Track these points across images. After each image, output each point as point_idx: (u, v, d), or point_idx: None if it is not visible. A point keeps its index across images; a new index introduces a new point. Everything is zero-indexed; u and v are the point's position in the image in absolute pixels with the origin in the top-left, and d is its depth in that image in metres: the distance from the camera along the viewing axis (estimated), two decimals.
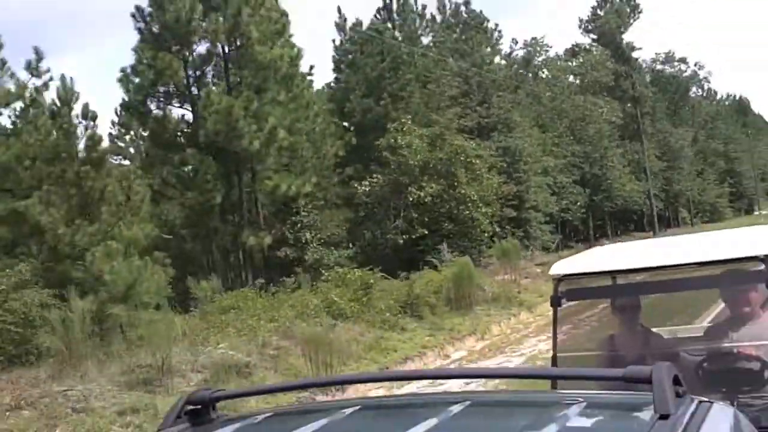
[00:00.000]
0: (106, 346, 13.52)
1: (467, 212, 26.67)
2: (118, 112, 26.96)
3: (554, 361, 4.12)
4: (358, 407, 1.67)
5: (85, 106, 17.34)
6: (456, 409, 1.49)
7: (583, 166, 39.40)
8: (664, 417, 1.23)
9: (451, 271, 18.52)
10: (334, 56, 33.60)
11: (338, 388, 9.47)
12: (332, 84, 32.73)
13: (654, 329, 4.53)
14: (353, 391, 8.98)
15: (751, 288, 3.98)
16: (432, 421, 1.37)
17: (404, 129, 26.84)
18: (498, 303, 18.73)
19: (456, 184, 26.65)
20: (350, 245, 25.58)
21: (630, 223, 48.54)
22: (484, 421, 1.56)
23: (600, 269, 4.20)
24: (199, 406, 1.63)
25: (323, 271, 22.04)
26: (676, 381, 1.33)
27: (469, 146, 27.35)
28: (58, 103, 17.85)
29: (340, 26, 33.96)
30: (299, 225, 24.58)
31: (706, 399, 1.45)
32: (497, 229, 28.19)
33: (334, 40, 33.89)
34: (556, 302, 4.08)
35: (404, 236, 26.17)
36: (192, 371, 11.20)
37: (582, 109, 41.48)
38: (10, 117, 18.09)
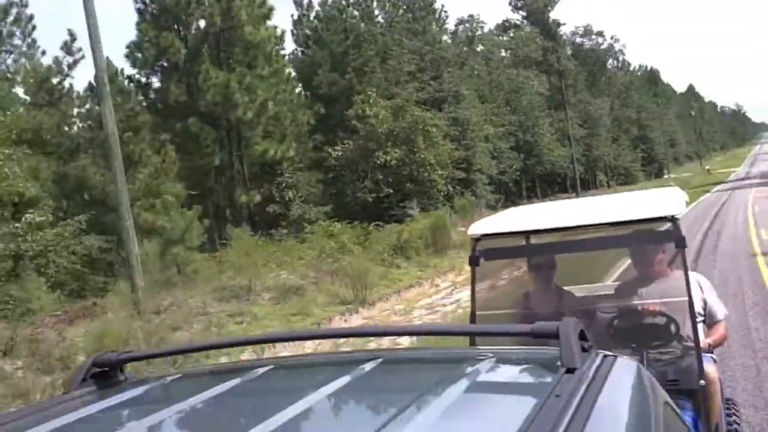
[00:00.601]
0: (172, 278, 16.92)
1: (426, 174, 30.67)
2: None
3: (473, 318, 4.12)
4: (270, 367, 1.65)
5: (120, 81, 20.22)
6: (368, 366, 1.49)
7: (517, 133, 43.98)
8: (570, 371, 1.24)
9: (429, 221, 22.55)
10: (293, 30, 36.90)
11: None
12: (298, 57, 35.96)
13: (567, 288, 4.61)
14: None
15: (659, 247, 4.13)
16: (344, 379, 1.37)
17: (370, 101, 30.55)
18: (464, 248, 22.88)
19: (416, 149, 30.58)
20: (327, 203, 29.22)
21: (555, 185, 53.57)
22: (396, 378, 1.57)
23: (515, 229, 4.26)
24: (107, 369, 1.59)
25: (305, 225, 25.80)
26: (582, 336, 1.35)
27: (426, 117, 31.25)
28: (93, 80, 20.79)
29: (298, 2, 37.29)
30: (284, 185, 28.12)
31: (610, 353, 1.46)
32: (450, 189, 32.34)
33: (293, 15, 37.23)
34: (474, 261, 4.11)
35: (372, 195, 30.04)
36: (263, 291, 14.87)
37: (516, 82, 45.97)
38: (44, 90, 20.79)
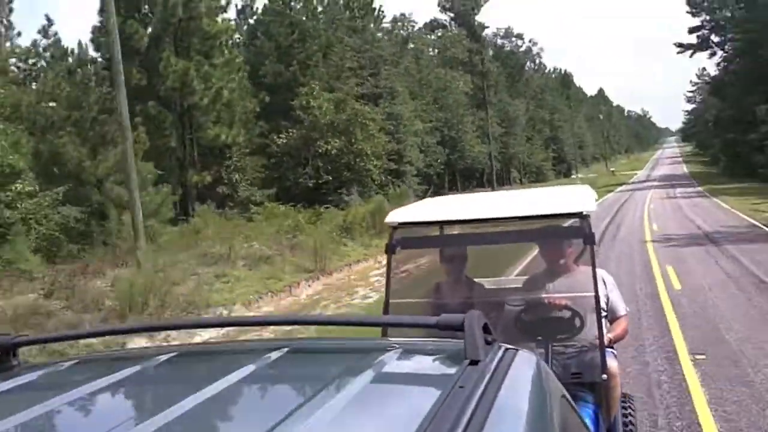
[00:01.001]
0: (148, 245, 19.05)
1: (362, 164, 33.37)
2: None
3: (386, 307, 4.09)
4: (173, 354, 1.61)
5: (96, 66, 22.01)
6: (274, 355, 1.47)
7: (443, 129, 47.18)
8: (474, 363, 1.26)
9: (370, 207, 25.28)
10: (236, 20, 38.91)
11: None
12: (244, 47, 37.98)
13: (477, 279, 4.62)
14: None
15: (568, 243, 4.20)
16: (249, 368, 1.35)
17: (314, 93, 33.00)
18: None
19: (354, 141, 33.23)
20: (270, 186, 31.53)
21: (474, 179, 57.15)
22: (301, 368, 1.55)
23: (432, 219, 4.29)
24: None
25: (252, 206, 28.19)
26: (486, 329, 1.37)
27: (365, 110, 33.92)
28: (71, 61, 22.58)
29: None
30: (232, 168, 30.28)
31: (512, 347, 1.50)
32: (383, 179, 35.16)
33: (236, 5, 39.30)
34: (390, 249, 4.08)
35: (312, 181, 32.54)
36: (237, 259, 17.30)
37: (443, 81, 49.17)
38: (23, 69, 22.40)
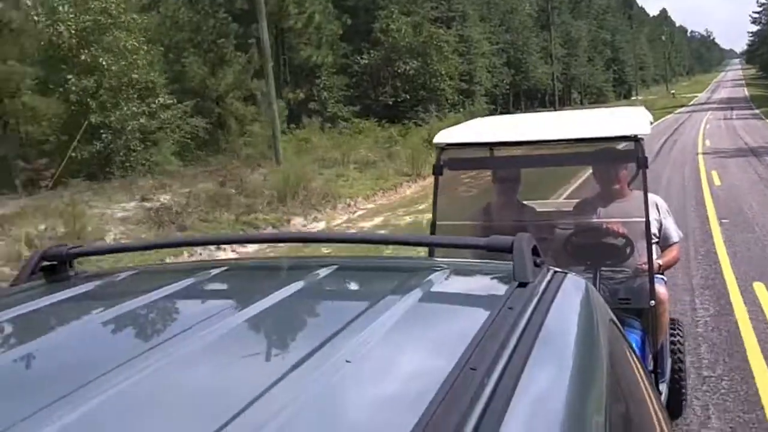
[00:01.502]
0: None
1: (437, 84, 36.30)
2: None
3: (433, 228, 4.09)
4: (224, 268, 1.65)
5: None
6: (323, 272, 1.48)
7: (509, 51, 49.52)
8: (522, 285, 1.26)
9: (451, 121, 28.45)
10: None
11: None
12: None
13: (527, 202, 4.59)
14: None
15: (621, 166, 4.12)
16: (299, 284, 1.36)
17: (393, 17, 35.78)
18: None
19: (429, 62, 36.09)
20: (353, 104, 34.77)
21: (536, 100, 59.40)
22: (350, 285, 1.58)
23: (481, 140, 4.22)
24: (55, 263, 1.55)
25: (339, 121, 31.56)
26: (535, 251, 1.37)
27: (440, 33, 36.62)
28: None
29: None
30: (321, 86, 33.54)
31: (561, 270, 1.49)
32: (455, 98, 38.09)
33: None
34: (438, 171, 4.06)
35: (391, 99, 35.66)
36: (349, 163, 20.69)
37: (510, 3, 51.18)
38: None
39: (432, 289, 1.33)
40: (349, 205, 16.61)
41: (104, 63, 19.46)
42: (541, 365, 1.01)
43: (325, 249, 7.71)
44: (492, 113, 40.84)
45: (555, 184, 9.35)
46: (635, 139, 3.73)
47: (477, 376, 0.89)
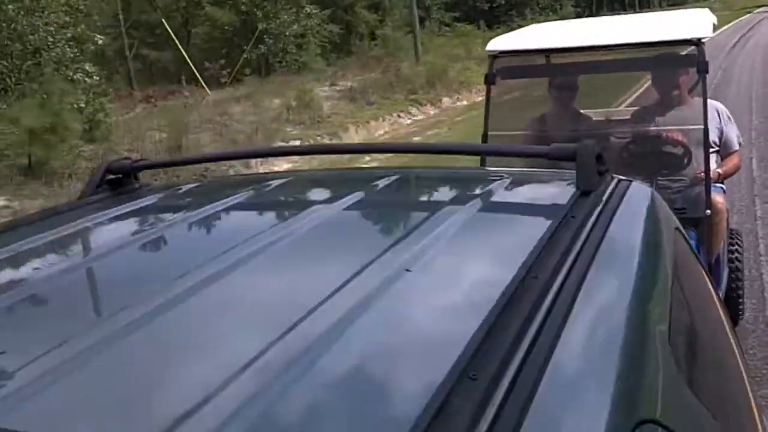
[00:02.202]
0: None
1: None
2: None
3: (485, 139, 4.03)
4: (287, 179, 1.68)
5: None
6: (382, 183, 1.48)
7: None
8: (585, 193, 1.23)
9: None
10: None
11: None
12: None
13: (584, 111, 4.48)
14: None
15: (681, 72, 3.99)
16: (359, 194, 1.36)
17: None
18: None
19: None
20: (453, 10, 38.55)
21: (617, 2, 61.45)
22: (409, 194, 1.59)
23: (535, 47, 4.17)
24: (120, 176, 1.58)
25: (442, 26, 35.51)
26: (599, 159, 1.33)
27: None
28: None
29: None
30: None
31: (625, 178, 1.45)
32: (546, 2, 41.40)
33: None
34: (490, 79, 4.01)
35: (487, 4, 39.27)
36: (470, 59, 24.89)
37: None
38: None
39: (492, 199, 1.32)
40: (479, 90, 20.88)
41: None
42: (604, 274, 1.00)
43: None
44: (579, 17, 44.01)
45: (616, 92, 9.03)
46: (696, 42, 3.66)
47: (538, 285, 0.89)
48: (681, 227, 1.58)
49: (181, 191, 1.63)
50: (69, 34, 12.70)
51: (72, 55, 12.72)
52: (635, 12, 52.25)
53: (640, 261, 1.12)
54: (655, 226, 1.37)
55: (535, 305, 0.84)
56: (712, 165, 3.91)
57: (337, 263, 1.09)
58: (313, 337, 0.78)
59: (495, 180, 1.46)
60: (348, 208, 1.30)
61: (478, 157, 3.62)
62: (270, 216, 1.47)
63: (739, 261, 4.38)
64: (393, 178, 1.54)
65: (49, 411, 0.72)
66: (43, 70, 11.85)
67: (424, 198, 1.59)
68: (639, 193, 1.41)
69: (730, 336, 1.61)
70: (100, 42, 14.81)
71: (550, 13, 40.30)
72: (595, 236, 1.09)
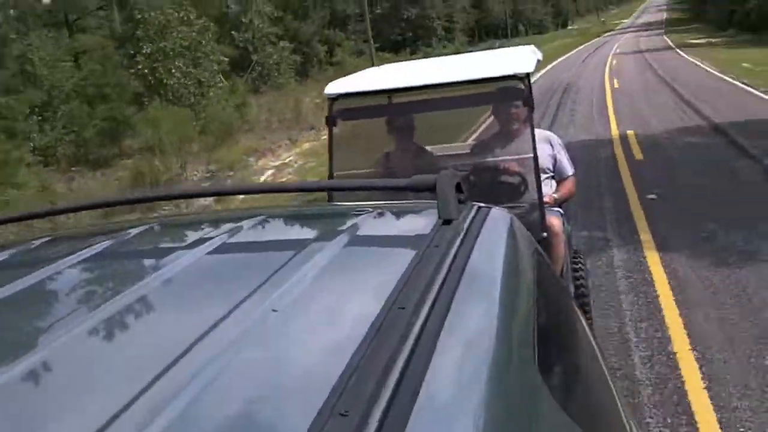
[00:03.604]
0: None
1: (430, 23, 50.19)
2: None
3: (330, 178, 4.13)
4: (146, 227, 1.63)
5: None
6: (247, 224, 1.47)
7: None
8: (447, 222, 1.25)
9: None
10: None
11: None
12: None
13: (426, 147, 4.65)
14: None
15: (513, 105, 4.18)
16: (222, 237, 1.34)
17: None
18: None
19: (424, 7, 49.91)
20: (375, 41, 48.48)
21: (492, 33, 73.44)
22: (275, 233, 1.57)
23: (371, 88, 4.28)
24: None
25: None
26: (459, 188, 1.36)
27: None
28: None
29: None
30: (351, 30, 47.10)
31: (485, 205, 1.49)
32: (443, 34, 52.16)
33: None
34: (331, 122, 4.13)
35: (399, 36, 49.49)
36: None
37: None
38: None
39: (357, 233, 1.32)
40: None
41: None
42: (469, 301, 1.01)
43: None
44: (470, 44, 55.05)
45: (460, 128, 8.84)
46: (521, 78, 3.86)
47: (405, 316, 0.89)
48: (540, 249, 1.64)
49: (33, 246, 1.52)
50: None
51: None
52: (508, 40, 63.98)
53: (503, 285, 1.13)
54: (516, 250, 1.39)
55: (403, 336, 0.84)
56: (548, 190, 4.20)
57: (202, 308, 1.06)
58: (180, 384, 0.76)
59: (359, 214, 1.45)
60: (211, 252, 1.26)
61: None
62: (130, 265, 1.39)
63: (584, 278, 4.55)
64: (257, 218, 1.52)
65: None
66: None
67: (289, 236, 1.53)
68: (498, 219, 1.45)
69: (595, 348, 1.68)
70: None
71: (447, 43, 50.97)
72: (459, 263, 1.10)
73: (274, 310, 0.95)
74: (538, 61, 4.61)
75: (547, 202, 4.02)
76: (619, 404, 1.56)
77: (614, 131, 13.88)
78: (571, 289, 4.35)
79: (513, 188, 4.03)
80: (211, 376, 0.79)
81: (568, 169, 4.48)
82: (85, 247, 1.36)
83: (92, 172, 15.21)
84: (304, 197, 7.14)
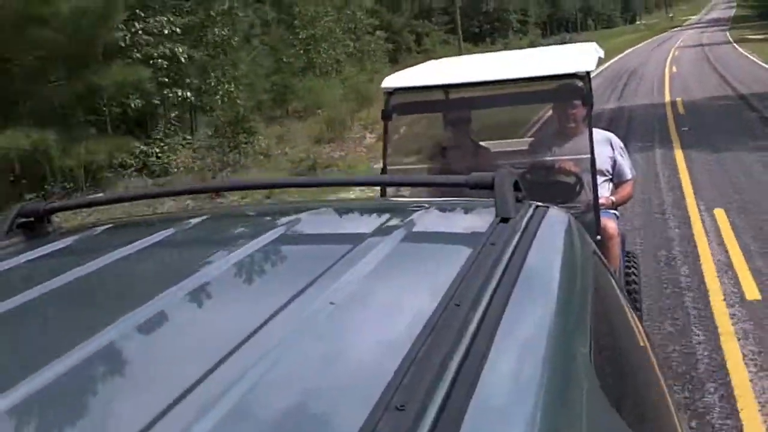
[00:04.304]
0: None
1: (507, 16, 54.66)
2: None
3: (384, 173, 4.12)
4: (204, 217, 1.65)
5: None
6: (305, 216, 1.50)
7: None
8: (504, 220, 1.25)
9: None
10: None
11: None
12: None
13: (482, 143, 4.61)
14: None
15: (573, 104, 4.13)
16: (280, 230, 1.36)
17: None
18: None
19: (502, 2, 54.38)
20: (454, 32, 53.20)
21: (563, 27, 77.25)
22: (333, 227, 1.57)
23: (429, 83, 4.26)
24: (32, 219, 1.54)
25: (447, 44, 50.14)
26: (516, 187, 1.36)
27: None
28: None
29: None
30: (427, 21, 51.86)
31: (543, 204, 1.48)
32: (519, 27, 56.62)
33: None
34: (387, 115, 4.10)
35: (477, 29, 54.03)
36: None
37: None
38: None
39: (414, 229, 1.32)
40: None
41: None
42: (525, 300, 1.01)
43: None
44: (542, 36, 59.30)
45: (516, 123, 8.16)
46: (581, 76, 3.81)
47: (461, 313, 0.89)
48: (598, 251, 1.63)
49: (95, 233, 1.58)
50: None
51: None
52: (578, 33, 67.75)
53: (560, 285, 1.13)
54: (573, 250, 1.38)
55: (459, 333, 0.84)
56: (606, 193, 4.18)
57: (260, 298, 1.10)
58: (238, 373, 0.77)
59: (416, 210, 1.46)
60: (270, 244, 1.29)
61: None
62: (188, 256, 1.41)
63: (636, 283, 4.53)
64: (314, 211, 1.57)
65: None
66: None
67: (346, 230, 1.54)
68: (557, 219, 1.44)
69: (651, 355, 1.67)
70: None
71: (522, 35, 55.39)
72: (516, 262, 1.09)
73: (331, 303, 0.96)
74: (599, 58, 4.56)
75: (603, 204, 3.98)
76: (674, 414, 1.56)
77: (667, 98, 19.06)
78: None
79: (569, 188, 4.01)
80: (269, 366, 0.80)
81: (628, 173, 4.44)
82: (147, 236, 1.39)
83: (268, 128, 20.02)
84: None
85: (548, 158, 4.23)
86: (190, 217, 1.63)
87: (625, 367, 1.39)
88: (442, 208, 1.62)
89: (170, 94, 16.10)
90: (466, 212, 1.58)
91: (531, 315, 1.00)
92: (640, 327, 1.78)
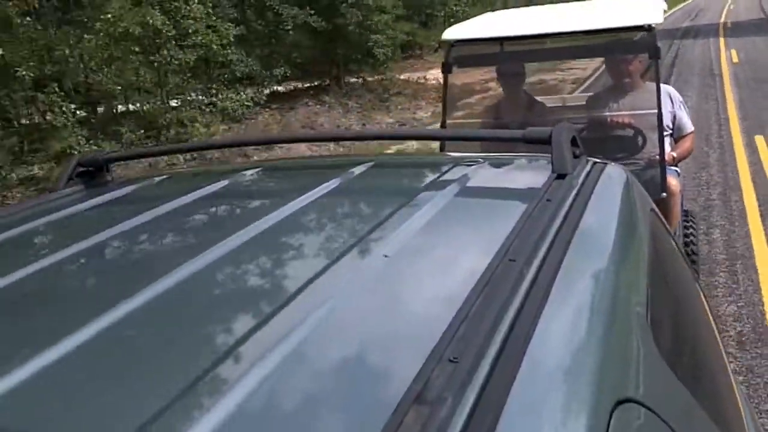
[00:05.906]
0: None
1: None
2: None
3: (443, 126, 4.08)
4: (259, 169, 1.65)
5: None
6: (358, 170, 1.48)
7: None
8: (561, 176, 1.23)
9: None
10: None
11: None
12: None
13: (538, 97, 4.53)
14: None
15: (633, 58, 4.03)
16: (335, 182, 1.36)
17: None
18: None
19: None
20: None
21: None
22: (386, 182, 1.55)
23: (489, 35, 4.12)
24: (92, 168, 1.58)
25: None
26: (574, 142, 1.35)
27: None
28: None
29: None
30: None
31: (601, 160, 1.45)
32: None
33: None
34: (446, 69, 4.00)
35: None
36: None
37: None
38: None
39: (468, 184, 1.31)
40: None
41: None
42: (582, 256, 1.00)
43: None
44: None
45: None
46: (647, 28, 3.68)
47: (516, 268, 0.88)
48: (656, 208, 1.60)
49: (152, 183, 1.60)
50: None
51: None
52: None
53: (617, 242, 1.12)
54: (631, 208, 1.36)
55: (514, 288, 0.83)
56: (667, 148, 4.03)
57: (315, 250, 1.09)
58: (295, 324, 0.79)
59: (470, 165, 1.45)
60: (324, 196, 1.30)
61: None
62: (244, 207, 1.43)
63: (694, 244, 4.47)
64: (368, 165, 1.54)
65: (43, 406, 0.72)
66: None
67: (400, 184, 1.54)
68: (614, 175, 1.42)
69: (708, 313, 1.65)
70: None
71: None
72: (572, 218, 1.08)
73: (385, 256, 0.96)
74: (664, 11, 4.36)
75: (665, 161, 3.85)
76: (731, 375, 1.54)
77: (722, 20, 29.79)
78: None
79: (631, 143, 3.91)
80: (323, 316, 0.81)
81: (688, 126, 4.32)
82: (201, 187, 1.43)
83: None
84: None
85: (608, 114, 4.08)
86: (246, 169, 1.64)
87: (682, 327, 1.36)
88: (498, 163, 1.58)
89: None
90: (521, 167, 1.55)
91: (586, 272, 0.99)
92: (698, 287, 1.75)
